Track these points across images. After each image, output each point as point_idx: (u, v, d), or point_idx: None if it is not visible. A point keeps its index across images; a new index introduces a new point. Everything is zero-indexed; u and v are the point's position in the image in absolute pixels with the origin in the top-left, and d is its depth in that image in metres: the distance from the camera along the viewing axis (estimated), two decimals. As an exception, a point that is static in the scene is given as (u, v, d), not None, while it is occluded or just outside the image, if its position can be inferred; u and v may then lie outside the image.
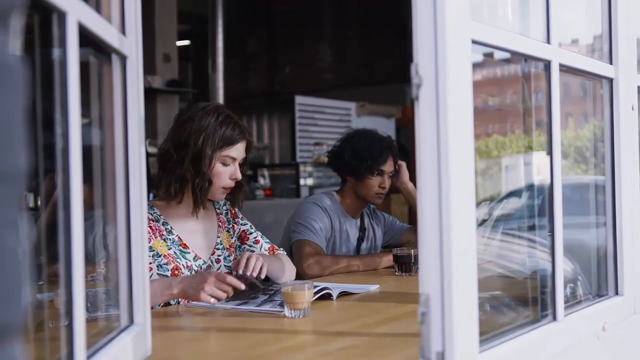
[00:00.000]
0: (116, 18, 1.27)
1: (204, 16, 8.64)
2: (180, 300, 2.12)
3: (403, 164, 2.99)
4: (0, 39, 0.51)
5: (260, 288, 2.09)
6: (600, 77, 1.72)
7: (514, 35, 1.39)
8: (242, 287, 1.92)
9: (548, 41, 1.45)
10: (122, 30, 1.29)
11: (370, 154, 2.83)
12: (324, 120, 8.09)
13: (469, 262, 1.15)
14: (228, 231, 2.36)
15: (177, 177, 2.14)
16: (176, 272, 2.12)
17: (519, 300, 1.64)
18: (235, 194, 2.30)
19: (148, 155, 3.29)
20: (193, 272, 2.16)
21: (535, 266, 1.75)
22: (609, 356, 1.67)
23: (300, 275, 2.63)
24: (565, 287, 1.52)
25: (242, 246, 2.37)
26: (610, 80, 1.73)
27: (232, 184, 2.21)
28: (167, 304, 2.09)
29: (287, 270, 2.35)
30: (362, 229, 3.00)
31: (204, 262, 2.22)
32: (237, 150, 2.19)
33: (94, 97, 1.27)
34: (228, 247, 2.34)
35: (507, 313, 1.56)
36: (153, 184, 2.27)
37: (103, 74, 1.28)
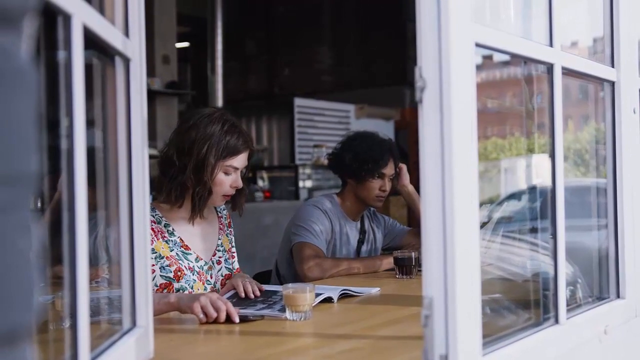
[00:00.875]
0: (119, 20, 1.27)
1: (203, 18, 8.64)
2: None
3: (403, 167, 2.99)
4: (12, 42, 0.51)
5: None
6: (602, 80, 1.73)
7: (517, 38, 1.39)
8: (237, 319, 1.80)
9: (550, 44, 1.45)
10: (126, 32, 1.29)
11: (371, 156, 2.83)
12: (323, 122, 8.10)
13: (472, 265, 1.15)
14: (227, 236, 2.37)
15: (178, 183, 2.14)
16: (179, 273, 2.13)
17: (521, 303, 1.64)
18: (237, 199, 2.29)
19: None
20: (195, 273, 2.17)
21: (536, 269, 1.75)
22: (611, 359, 1.67)
23: (300, 278, 2.63)
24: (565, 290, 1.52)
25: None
26: (612, 84, 1.73)
27: (232, 191, 2.21)
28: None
29: None
30: (363, 232, 3.00)
31: (205, 262, 2.23)
32: (240, 160, 2.19)
33: (97, 99, 1.27)
34: (228, 250, 2.35)
35: (509, 316, 1.56)
36: (153, 186, 2.27)
37: (106, 77, 1.28)
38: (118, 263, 1.32)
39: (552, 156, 1.46)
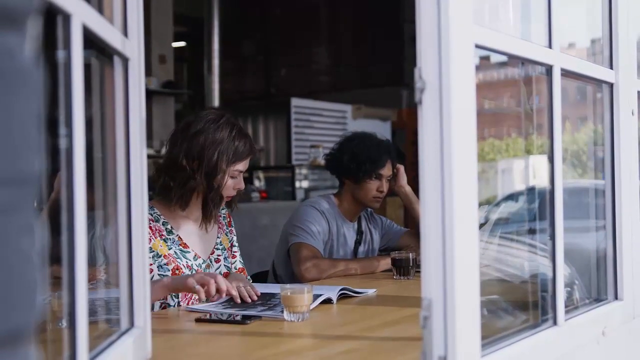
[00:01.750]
0: (118, 20, 1.27)
1: (200, 18, 8.63)
2: (180, 301, 2.12)
3: (401, 167, 2.98)
4: (16, 43, 0.51)
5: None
6: (601, 81, 1.73)
7: (516, 40, 1.39)
8: (238, 300, 1.96)
9: (550, 46, 1.45)
10: (125, 32, 1.29)
11: (369, 157, 2.82)
12: (320, 122, 8.09)
13: (471, 266, 1.14)
14: (227, 235, 2.38)
15: (189, 189, 2.16)
16: (177, 272, 2.13)
17: (519, 304, 1.65)
18: (234, 197, 2.31)
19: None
20: (193, 272, 2.17)
21: (534, 270, 1.75)
22: (609, 361, 1.67)
23: (298, 279, 2.63)
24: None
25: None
26: (611, 85, 1.73)
27: (235, 193, 2.25)
28: (167, 305, 2.09)
29: None
30: (360, 233, 3.00)
31: (204, 261, 2.24)
32: (246, 164, 2.24)
33: (96, 99, 1.27)
34: (228, 248, 2.36)
35: (508, 317, 1.56)
36: (150, 185, 2.27)
37: (105, 76, 1.27)
38: (116, 263, 1.31)
39: (551, 157, 1.46)
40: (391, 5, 8.66)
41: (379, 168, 2.84)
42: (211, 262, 2.27)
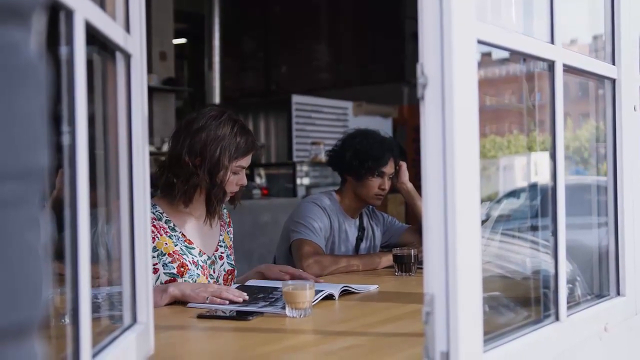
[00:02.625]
0: (120, 16, 1.27)
1: (201, 15, 8.63)
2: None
3: (403, 164, 2.98)
4: (22, 38, 0.51)
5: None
6: (603, 77, 1.73)
7: (518, 36, 1.39)
8: (243, 298, 1.98)
9: (552, 41, 1.45)
10: (127, 28, 1.28)
11: (372, 155, 2.82)
12: (321, 119, 8.08)
13: (473, 262, 1.15)
14: (228, 233, 2.39)
15: (192, 185, 2.17)
16: (182, 269, 2.14)
17: (521, 300, 1.65)
18: (236, 193, 2.31)
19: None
20: (199, 267, 2.18)
21: (536, 266, 1.75)
22: (611, 356, 1.67)
23: (299, 275, 2.63)
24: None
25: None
26: (613, 81, 1.73)
27: (237, 189, 2.25)
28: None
29: None
30: (361, 229, 3.00)
31: (208, 257, 2.25)
32: (248, 160, 2.25)
33: (98, 95, 1.27)
34: (229, 246, 2.37)
35: (510, 313, 1.56)
36: (152, 182, 2.27)
37: (107, 72, 1.27)
38: (118, 259, 1.31)
39: (553, 154, 1.46)
40: (392, 1, 8.65)
41: (381, 166, 2.84)
42: (215, 259, 2.28)
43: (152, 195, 2.32)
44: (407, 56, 8.64)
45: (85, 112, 0.97)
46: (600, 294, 1.75)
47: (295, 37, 9.95)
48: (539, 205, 1.73)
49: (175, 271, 2.13)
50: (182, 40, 10.31)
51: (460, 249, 1.10)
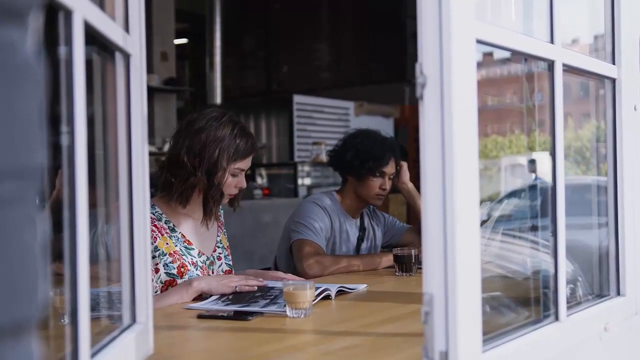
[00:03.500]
0: (120, 16, 1.27)
1: (202, 15, 8.63)
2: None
3: (404, 164, 2.98)
4: (18, 37, 0.51)
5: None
6: (603, 77, 1.72)
7: (518, 35, 1.39)
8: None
9: (551, 41, 1.45)
10: (126, 28, 1.28)
11: (373, 155, 2.82)
12: (322, 119, 8.09)
13: (472, 261, 1.14)
14: (224, 234, 2.40)
15: (190, 186, 2.18)
16: (182, 269, 2.14)
17: (521, 300, 1.64)
18: (236, 195, 2.31)
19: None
20: (198, 268, 2.19)
21: (536, 266, 1.75)
22: (611, 357, 1.67)
23: (300, 275, 2.63)
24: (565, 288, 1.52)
25: None
26: (613, 81, 1.73)
27: (236, 191, 2.26)
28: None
29: None
30: (362, 229, 3.00)
31: (207, 258, 2.26)
32: (247, 162, 2.25)
33: (97, 95, 1.27)
34: (226, 247, 2.37)
35: (509, 313, 1.56)
36: (152, 183, 2.28)
37: (106, 72, 1.27)
38: (117, 259, 1.31)
39: (553, 154, 1.46)
40: (393, 1, 8.65)
41: (382, 166, 2.84)
42: (214, 259, 2.29)
43: (152, 195, 2.32)
44: (409, 56, 8.64)
45: (85, 112, 0.97)
46: (600, 294, 1.75)
47: (296, 37, 9.96)
48: (540, 205, 1.73)
49: (175, 271, 2.13)
50: (183, 40, 10.32)
51: (459, 248, 1.10)
